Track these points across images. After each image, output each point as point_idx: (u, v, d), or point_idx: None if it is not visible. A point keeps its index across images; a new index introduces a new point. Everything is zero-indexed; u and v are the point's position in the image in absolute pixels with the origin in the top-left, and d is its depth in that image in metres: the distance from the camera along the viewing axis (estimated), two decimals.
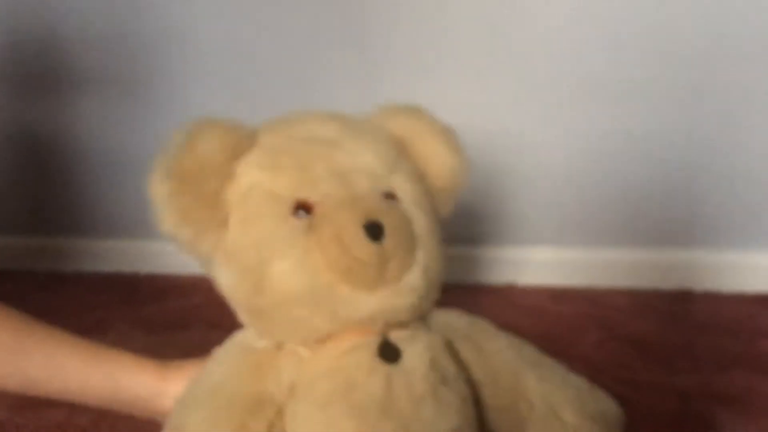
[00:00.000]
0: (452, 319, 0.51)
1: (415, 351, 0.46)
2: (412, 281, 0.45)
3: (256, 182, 0.45)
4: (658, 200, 1.05)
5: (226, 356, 0.49)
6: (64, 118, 1.12)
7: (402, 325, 0.46)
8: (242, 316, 0.48)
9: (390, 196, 0.46)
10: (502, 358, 0.51)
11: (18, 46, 1.09)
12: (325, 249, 0.43)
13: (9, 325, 0.57)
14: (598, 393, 0.54)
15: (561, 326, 0.97)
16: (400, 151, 0.49)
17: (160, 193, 0.44)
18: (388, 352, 0.45)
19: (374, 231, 0.42)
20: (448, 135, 0.52)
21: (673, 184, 1.04)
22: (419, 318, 0.48)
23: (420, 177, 0.49)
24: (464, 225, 1.06)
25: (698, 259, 1.06)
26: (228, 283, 0.46)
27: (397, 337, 0.46)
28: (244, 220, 0.45)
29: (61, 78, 1.10)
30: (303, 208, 0.44)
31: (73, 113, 1.12)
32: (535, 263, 1.09)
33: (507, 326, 0.95)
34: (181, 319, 0.99)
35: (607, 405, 0.54)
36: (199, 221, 0.45)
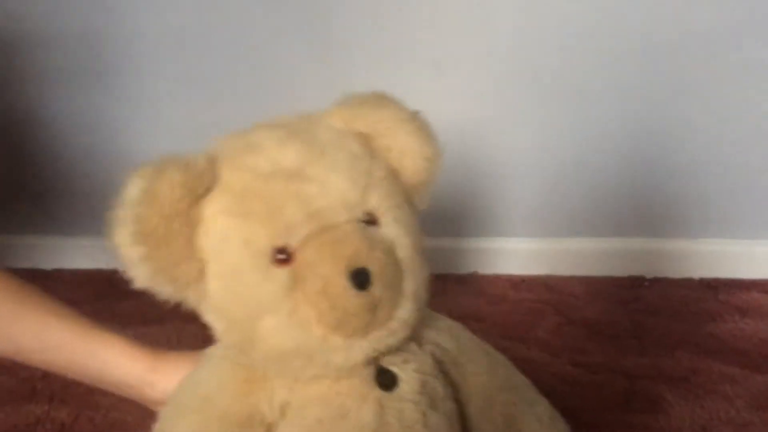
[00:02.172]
0: (442, 339, 0.50)
1: (408, 375, 0.45)
2: (403, 316, 0.44)
3: (229, 231, 0.43)
4: (612, 193, 1.10)
5: (217, 366, 0.48)
6: (39, 115, 1.13)
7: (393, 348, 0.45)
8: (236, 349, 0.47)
9: (370, 221, 0.44)
10: (479, 381, 0.50)
11: None
12: (312, 304, 0.41)
13: (7, 293, 0.57)
14: (557, 415, 0.54)
15: (521, 312, 1.01)
16: (370, 155, 0.46)
17: (130, 257, 0.42)
18: (385, 379, 0.45)
19: (361, 279, 0.41)
20: (418, 123, 0.48)
21: (627, 177, 1.09)
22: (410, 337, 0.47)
23: (395, 177, 0.46)
24: (429, 218, 1.10)
25: (649, 247, 1.11)
26: (219, 329, 0.45)
27: (389, 361, 0.45)
28: (223, 274, 0.43)
29: (33, 74, 1.11)
30: (282, 253, 0.42)
31: (50, 111, 1.13)
32: (496, 253, 1.14)
33: (471, 313, 1.00)
34: (156, 313, 1.01)
35: (562, 426, 0.54)
36: (176, 278, 0.42)
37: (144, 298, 1.17)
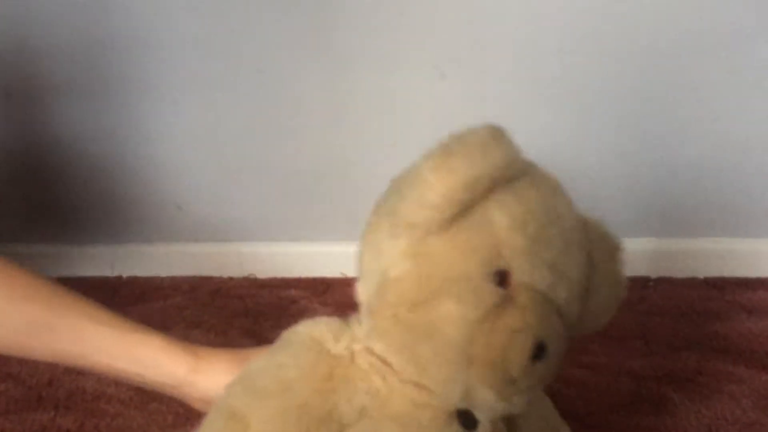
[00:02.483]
0: None
1: (485, 419, 0.46)
2: (530, 396, 0.45)
3: (491, 222, 0.43)
4: (616, 193, 1.10)
5: (300, 352, 0.47)
6: (45, 126, 1.14)
7: None
8: (373, 301, 0.46)
9: (562, 315, 0.45)
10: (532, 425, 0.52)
11: None
12: (492, 335, 0.42)
13: (41, 298, 0.57)
14: None
15: None
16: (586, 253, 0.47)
17: (444, 178, 0.42)
18: (467, 420, 0.45)
19: (538, 352, 0.42)
20: (621, 257, 0.52)
21: (630, 177, 1.09)
22: None
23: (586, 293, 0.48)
24: None
25: (654, 247, 1.11)
26: (395, 273, 0.44)
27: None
28: (456, 243, 0.43)
29: (35, 85, 1.12)
30: (507, 277, 0.43)
31: (55, 121, 1.13)
32: None
33: None
34: (162, 319, 1.02)
35: None
36: (440, 216, 0.42)
37: (148, 304, 1.18)
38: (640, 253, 1.11)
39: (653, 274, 1.10)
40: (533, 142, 1.20)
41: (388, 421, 0.44)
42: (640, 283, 1.09)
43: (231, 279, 1.13)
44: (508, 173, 0.45)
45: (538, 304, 0.43)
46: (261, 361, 0.48)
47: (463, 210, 0.43)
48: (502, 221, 0.43)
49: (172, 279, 1.13)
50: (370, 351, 0.46)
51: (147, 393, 0.79)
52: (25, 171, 1.17)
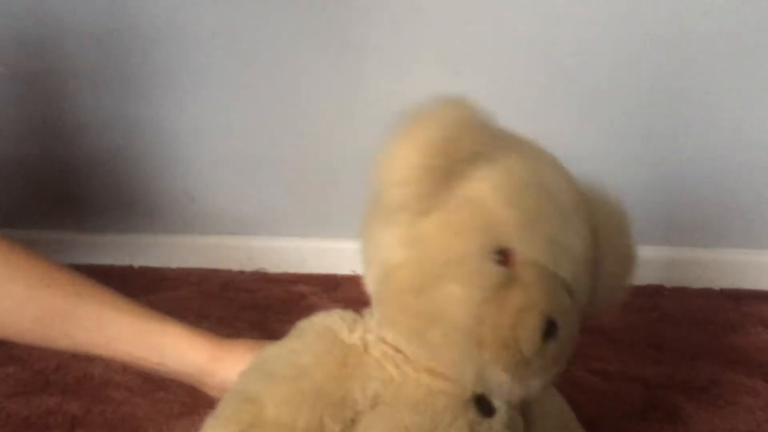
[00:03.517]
0: None
1: (501, 407, 0.45)
2: (547, 379, 0.44)
3: (483, 200, 0.43)
4: (631, 199, 1.08)
5: (315, 340, 0.47)
6: (57, 113, 1.14)
7: None
8: (378, 291, 0.46)
9: (571, 292, 0.44)
10: (548, 424, 0.51)
11: (19, 42, 1.11)
12: (500, 314, 0.41)
13: (59, 286, 0.57)
14: None
15: None
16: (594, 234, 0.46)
17: (413, 157, 0.42)
18: (484, 407, 0.44)
19: (549, 329, 0.41)
20: (630, 230, 0.51)
21: (646, 184, 1.07)
22: None
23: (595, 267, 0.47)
24: None
25: (669, 256, 1.10)
26: (396, 261, 0.44)
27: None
28: (451, 225, 0.43)
29: (55, 74, 1.12)
30: (502, 255, 0.42)
31: (73, 109, 1.14)
32: None
33: None
34: (171, 310, 1.01)
35: None
36: (422, 188, 0.42)
37: (158, 294, 1.18)
38: (655, 262, 1.09)
39: (668, 283, 1.09)
40: (547, 142, 1.20)
41: (404, 407, 0.43)
42: (655, 291, 1.07)
43: (241, 272, 1.13)
44: (478, 138, 0.43)
45: (543, 280, 0.42)
46: (275, 347, 0.48)
47: (444, 180, 0.42)
48: (494, 199, 0.43)
49: (182, 270, 1.13)
50: (382, 340, 0.46)
51: (154, 381, 0.79)
52: (40, 157, 1.17)
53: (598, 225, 0.47)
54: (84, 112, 1.14)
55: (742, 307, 1.02)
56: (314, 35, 1.05)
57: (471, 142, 0.43)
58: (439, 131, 0.42)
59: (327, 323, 0.48)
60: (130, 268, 1.16)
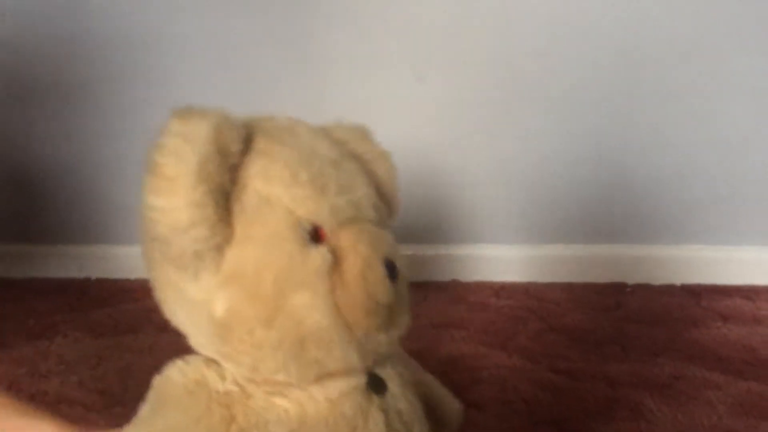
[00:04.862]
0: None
1: (389, 374, 0.45)
2: (405, 322, 0.45)
3: (271, 197, 0.41)
4: (592, 199, 1.10)
5: (187, 404, 0.41)
6: (10, 126, 1.11)
7: None
8: (217, 346, 0.41)
9: (381, 222, 0.45)
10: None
11: None
12: (349, 288, 0.40)
13: None
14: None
15: (502, 319, 1.00)
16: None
17: (173, 198, 0.38)
18: (376, 385, 0.44)
19: (393, 272, 0.41)
20: (391, 160, 0.51)
21: (607, 184, 1.09)
22: None
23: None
24: (410, 225, 1.09)
25: (631, 253, 1.11)
26: (224, 307, 0.40)
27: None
28: (259, 240, 0.40)
29: (6, 84, 1.09)
30: (317, 233, 0.41)
31: (20, 121, 1.11)
32: (477, 260, 1.13)
33: (452, 320, 0.99)
34: (130, 322, 1.00)
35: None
36: (211, 221, 0.38)
37: (117, 306, 1.15)
38: (617, 259, 1.10)
39: (630, 281, 1.10)
40: (511, 145, 1.21)
41: (316, 426, 0.41)
42: (618, 289, 1.08)
43: None
44: (223, 142, 0.40)
45: (359, 233, 0.42)
46: (143, 425, 0.41)
47: (221, 192, 0.39)
48: (275, 189, 0.41)
49: (143, 281, 1.10)
50: (251, 380, 0.41)
51: (112, 396, 0.77)
52: None
53: (352, 150, 0.48)
54: (38, 123, 1.11)
55: (702, 302, 1.03)
56: (278, 42, 1.05)
57: (231, 138, 0.40)
58: (186, 161, 0.38)
59: (192, 377, 0.42)
60: (88, 280, 1.13)
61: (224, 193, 0.39)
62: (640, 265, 1.10)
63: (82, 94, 1.09)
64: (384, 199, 0.47)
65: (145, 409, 0.42)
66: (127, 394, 0.78)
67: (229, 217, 0.39)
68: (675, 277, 1.09)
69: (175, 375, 0.42)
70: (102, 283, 1.13)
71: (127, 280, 1.12)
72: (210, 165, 0.38)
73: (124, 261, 1.14)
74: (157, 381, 0.42)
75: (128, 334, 0.96)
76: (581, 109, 1.06)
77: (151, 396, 0.42)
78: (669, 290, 1.07)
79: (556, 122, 1.07)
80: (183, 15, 1.05)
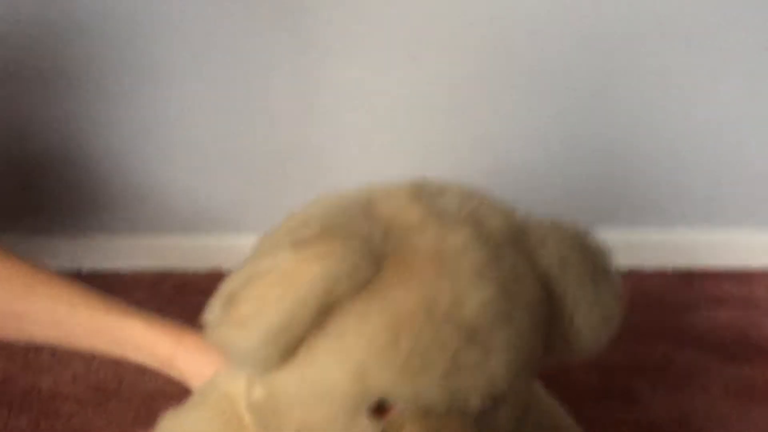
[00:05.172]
0: None
1: None
2: None
3: (349, 347, 0.35)
4: (582, 182, 1.10)
5: (211, 416, 0.42)
6: (4, 114, 1.10)
7: None
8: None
9: (493, 405, 0.38)
10: None
11: None
12: None
13: (12, 287, 0.55)
14: None
15: None
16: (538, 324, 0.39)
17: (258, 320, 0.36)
18: None
19: None
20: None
21: (598, 167, 1.08)
22: None
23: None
24: None
25: (622, 237, 1.11)
26: (261, 399, 0.39)
27: None
28: (306, 376, 0.36)
29: (9, 71, 1.08)
30: (383, 407, 0.36)
31: (11, 107, 1.10)
32: None
33: None
34: None
35: None
36: (279, 356, 0.36)
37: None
38: (608, 244, 1.11)
39: (621, 265, 1.10)
40: (502, 131, 1.20)
41: None
42: None
43: (196, 273, 1.11)
44: (333, 294, 0.34)
45: (426, 428, 0.35)
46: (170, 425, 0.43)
47: (302, 336, 0.35)
48: (360, 343, 0.34)
49: (134, 273, 1.10)
50: None
51: (106, 391, 0.77)
52: None
53: (551, 275, 0.40)
54: (30, 111, 1.10)
55: (694, 285, 1.04)
56: (270, 25, 1.03)
57: (344, 291, 0.35)
58: (318, 267, 0.34)
59: (226, 389, 0.42)
60: (78, 272, 1.12)
61: (320, 322, 0.35)
62: (631, 248, 1.10)
63: (71, 82, 1.07)
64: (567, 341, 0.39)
65: (186, 402, 0.44)
66: (122, 388, 0.78)
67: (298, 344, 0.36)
68: (667, 260, 1.09)
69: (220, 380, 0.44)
70: (93, 275, 1.12)
71: (119, 272, 1.11)
72: (301, 322, 0.35)
73: (115, 252, 1.13)
74: (204, 384, 0.45)
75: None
76: (569, 91, 1.05)
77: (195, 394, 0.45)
78: (661, 274, 1.07)
79: (550, 104, 1.06)
80: (175, 2, 1.03)
